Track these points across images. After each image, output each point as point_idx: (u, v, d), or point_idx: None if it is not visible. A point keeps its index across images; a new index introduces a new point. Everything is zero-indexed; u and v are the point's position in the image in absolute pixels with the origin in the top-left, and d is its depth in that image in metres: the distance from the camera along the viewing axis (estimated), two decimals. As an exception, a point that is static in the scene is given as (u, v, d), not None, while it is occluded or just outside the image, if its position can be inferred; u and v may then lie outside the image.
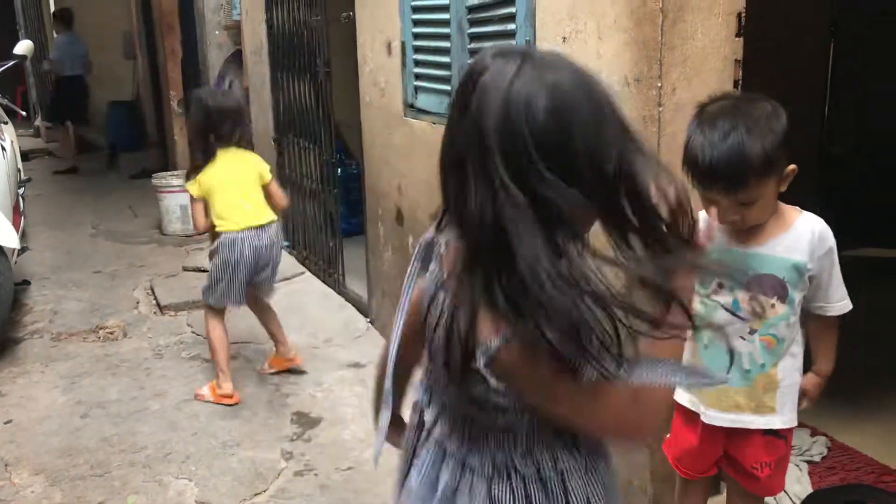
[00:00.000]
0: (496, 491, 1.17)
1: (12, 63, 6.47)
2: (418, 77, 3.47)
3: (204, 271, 5.35)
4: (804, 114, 3.79)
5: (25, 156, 10.89)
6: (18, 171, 5.49)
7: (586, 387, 1.03)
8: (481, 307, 1.01)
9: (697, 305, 1.94)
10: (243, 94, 5.76)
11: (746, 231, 1.80)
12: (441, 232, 1.15)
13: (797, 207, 1.84)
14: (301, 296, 4.79)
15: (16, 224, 4.57)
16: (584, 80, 1.03)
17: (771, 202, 1.76)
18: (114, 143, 9.86)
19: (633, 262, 1.03)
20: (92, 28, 10.65)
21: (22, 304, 4.91)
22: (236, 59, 6.48)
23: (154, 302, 4.88)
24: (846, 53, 4.52)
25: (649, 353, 1.06)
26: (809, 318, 1.89)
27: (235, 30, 6.39)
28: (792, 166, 1.74)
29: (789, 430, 1.93)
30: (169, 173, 6.92)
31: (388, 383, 1.26)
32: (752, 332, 1.84)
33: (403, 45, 3.52)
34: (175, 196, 6.39)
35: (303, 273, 5.20)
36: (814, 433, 2.88)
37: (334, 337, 4.21)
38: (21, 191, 5.32)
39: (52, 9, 11.31)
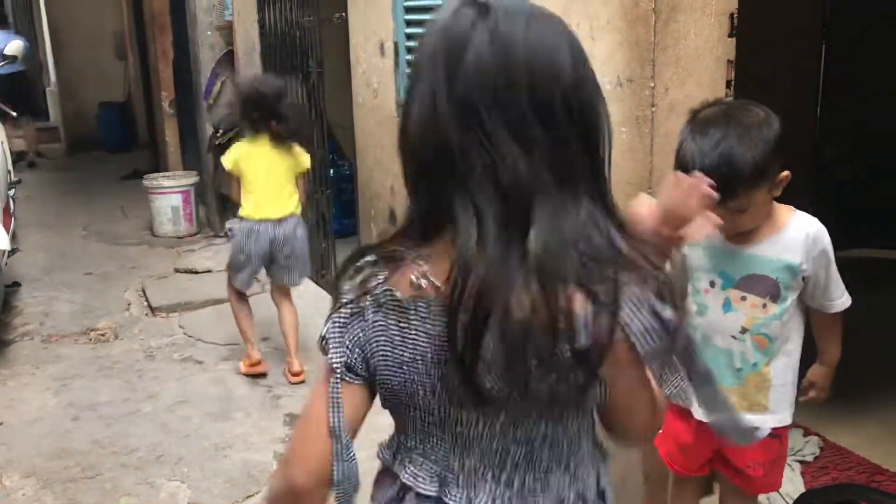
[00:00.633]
0: None
1: (5, 63, 6.42)
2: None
3: (195, 273, 5.37)
4: (797, 115, 3.79)
5: (16, 157, 10.85)
6: (9, 172, 5.46)
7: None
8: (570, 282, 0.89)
9: (691, 305, 1.95)
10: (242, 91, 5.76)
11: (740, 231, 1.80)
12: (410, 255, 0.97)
13: (791, 207, 1.84)
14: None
15: (6, 225, 4.55)
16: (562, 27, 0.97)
17: (763, 208, 1.76)
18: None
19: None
20: (83, 28, 10.62)
21: (12, 306, 4.88)
22: (228, 59, 6.46)
23: (146, 303, 4.86)
24: (839, 55, 4.53)
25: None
26: (812, 314, 1.90)
27: (227, 30, 6.36)
28: (785, 172, 1.74)
29: (784, 429, 1.93)
30: (160, 174, 6.89)
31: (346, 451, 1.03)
32: (744, 331, 1.84)
33: (396, 45, 3.52)
34: (166, 197, 6.37)
35: (295, 274, 5.18)
36: (806, 433, 2.88)
37: (327, 338, 4.19)
38: (11, 192, 5.29)
39: (44, 12, 11.26)
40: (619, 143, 2.24)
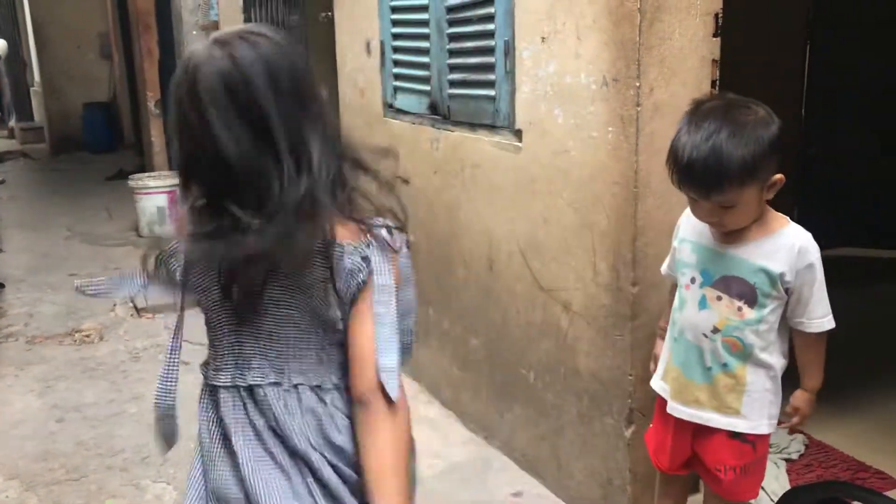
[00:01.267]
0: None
1: None
2: (397, 77, 3.47)
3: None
4: (780, 115, 3.82)
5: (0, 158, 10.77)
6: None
7: None
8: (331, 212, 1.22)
9: (675, 299, 1.96)
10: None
11: (728, 231, 1.81)
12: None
13: (786, 217, 1.82)
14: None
15: (-11, 226, 4.52)
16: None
17: (752, 208, 1.75)
18: None
19: None
20: (68, 28, 10.56)
21: (-4, 307, 4.85)
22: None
23: (131, 304, 4.83)
24: (822, 56, 4.56)
25: None
26: (794, 334, 1.86)
27: (213, 30, 6.34)
28: (778, 175, 1.73)
29: (758, 437, 1.88)
30: (146, 175, 6.85)
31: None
32: (716, 331, 1.83)
33: (382, 45, 3.51)
34: (152, 198, 6.33)
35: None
36: (791, 431, 2.90)
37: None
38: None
39: (28, 11, 11.18)
40: (605, 142, 2.25)
